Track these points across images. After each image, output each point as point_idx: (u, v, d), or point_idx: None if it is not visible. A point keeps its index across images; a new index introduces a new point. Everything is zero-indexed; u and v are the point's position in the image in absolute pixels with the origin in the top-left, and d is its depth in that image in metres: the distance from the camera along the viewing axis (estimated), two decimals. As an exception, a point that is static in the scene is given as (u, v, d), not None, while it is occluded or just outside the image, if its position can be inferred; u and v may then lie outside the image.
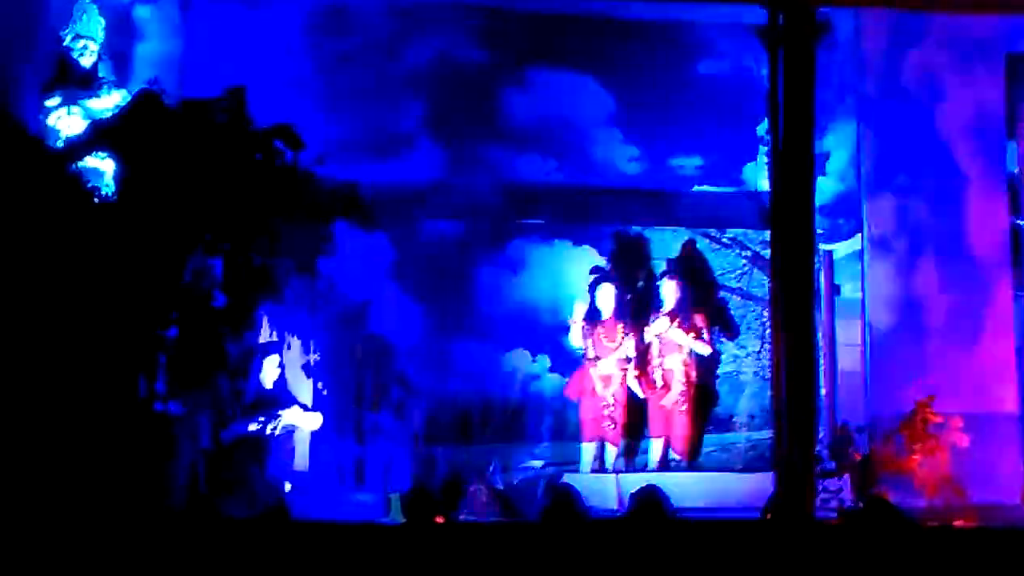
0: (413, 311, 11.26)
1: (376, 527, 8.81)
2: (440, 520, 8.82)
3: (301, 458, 9.96)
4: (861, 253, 11.47)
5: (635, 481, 9.88)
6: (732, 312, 11.64)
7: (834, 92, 11.60)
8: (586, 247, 11.57)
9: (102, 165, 9.10)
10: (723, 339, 11.55)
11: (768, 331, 10.47)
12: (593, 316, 11.12)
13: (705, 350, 11.24)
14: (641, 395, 11.12)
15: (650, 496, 9.17)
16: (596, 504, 9.91)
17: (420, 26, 11.43)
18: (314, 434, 10.26)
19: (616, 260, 11.56)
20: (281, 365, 9.89)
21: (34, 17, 10.19)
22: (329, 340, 10.39)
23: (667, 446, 11.11)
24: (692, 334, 11.15)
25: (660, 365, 11.11)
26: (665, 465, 11.07)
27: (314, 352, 10.06)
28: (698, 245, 11.69)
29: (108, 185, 8.77)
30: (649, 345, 11.17)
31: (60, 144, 9.27)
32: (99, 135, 8.91)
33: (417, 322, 11.27)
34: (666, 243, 11.65)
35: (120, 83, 10.09)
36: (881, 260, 11.47)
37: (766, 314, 11.03)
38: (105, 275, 8.23)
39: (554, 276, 11.45)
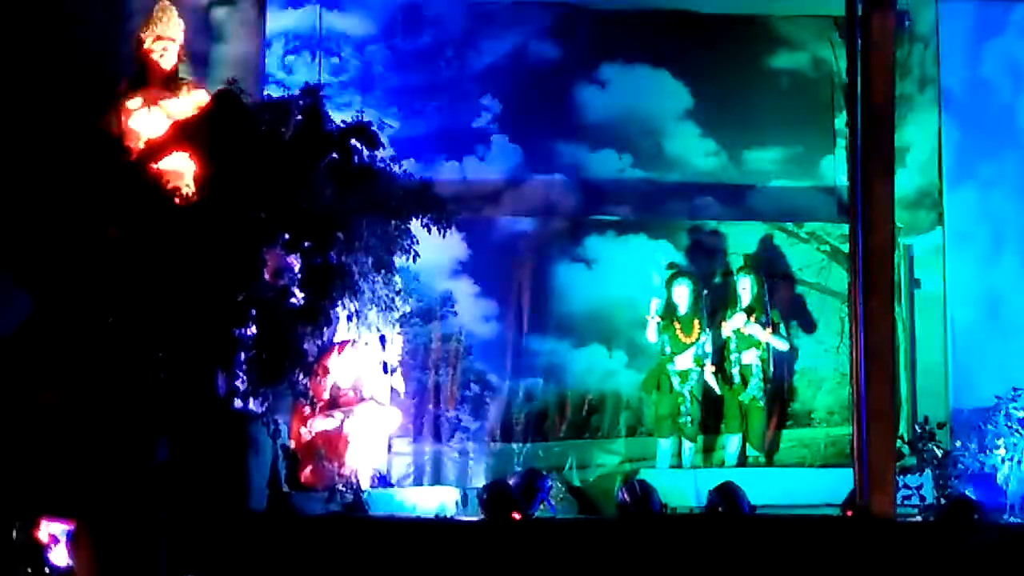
0: (489, 308, 11.30)
1: (454, 524, 8.86)
2: (517, 516, 8.85)
3: (378, 455, 10.02)
4: (942, 246, 11.35)
5: (712, 477, 9.87)
6: (810, 307, 11.55)
7: (914, 84, 11.49)
8: (662, 242, 11.53)
9: (182, 165, 9.21)
10: (801, 334, 11.47)
11: (846, 326, 10.37)
12: (669, 312, 11.08)
13: (783, 345, 11.17)
14: (718, 391, 11.08)
15: (727, 492, 9.16)
16: (673, 501, 9.89)
17: (494, 24, 11.46)
18: (391, 431, 10.32)
19: (692, 255, 11.52)
20: (358, 362, 9.94)
21: (115, 19, 10.34)
22: (405, 337, 10.44)
23: (744, 442, 11.06)
24: (769, 329, 11.09)
25: (737, 361, 11.06)
26: (742, 461, 11.02)
27: (391, 349, 10.11)
28: (775, 240, 11.62)
29: (188, 185, 8.88)
30: (726, 341, 11.12)
31: (141, 145, 9.39)
32: (179, 135, 9.03)
33: (493, 319, 11.30)
34: (743, 238, 11.59)
35: (199, 84, 10.20)
36: (963, 253, 11.35)
37: (844, 309, 10.93)
38: (185, 274, 8.34)
39: (630, 272, 11.42)
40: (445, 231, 9.89)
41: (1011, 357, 10.84)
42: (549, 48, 11.49)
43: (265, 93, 9.96)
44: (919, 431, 10.52)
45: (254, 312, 8.60)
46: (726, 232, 11.58)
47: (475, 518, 9.21)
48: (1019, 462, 10.09)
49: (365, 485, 9.54)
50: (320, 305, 8.90)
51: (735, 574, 7.74)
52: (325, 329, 9.13)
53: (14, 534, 7.42)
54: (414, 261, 9.89)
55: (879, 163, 8.83)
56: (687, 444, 11.01)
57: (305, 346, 8.86)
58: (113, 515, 7.27)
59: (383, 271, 9.64)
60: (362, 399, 9.91)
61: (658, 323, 11.03)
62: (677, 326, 11.05)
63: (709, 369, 11.04)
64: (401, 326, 10.31)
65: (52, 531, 7.56)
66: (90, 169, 8.48)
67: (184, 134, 9.02)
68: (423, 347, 11.05)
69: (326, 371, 9.67)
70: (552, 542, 7.83)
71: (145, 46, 10.17)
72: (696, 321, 11.08)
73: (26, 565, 7.37)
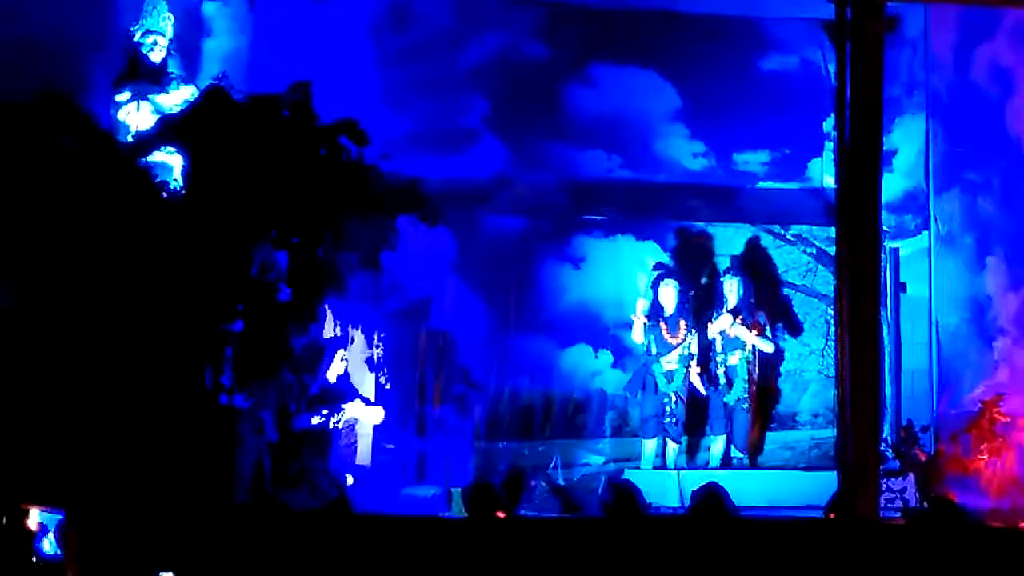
0: (476, 306, 11.29)
1: (438, 521, 8.85)
2: (501, 515, 8.84)
3: (363, 452, 10.02)
4: (928, 250, 11.37)
5: (696, 478, 9.87)
6: (796, 309, 11.57)
7: (902, 88, 11.52)
8: (649, 243, 11.53)
9: (171, 160, 9.20)
10: (787, 336, 11.49)
11: (832, 329, 10.39)
12: (656, 312, 11.09)
13: (768, 347, 11.18)
14: (703, 392, 11.08)
15: (711, 494, 9.14)
16: (657, 501, 9.90)
17: (483, 22, 11.45)
18: (376, 428, 10.32)
19: (679, 256, 11.52)
20: (344, 359, 9.94)
21: (104, 13, 10.32)
22: (392, 335, 10.44)
23: (729, 443, 11.07)
24: (755, 331, 11.09)
25: (723, 362, 11.07)
26: (727, 463, 11.03)
27: (377, 346, 10.11)
28: (762, 241, 11.63)
29: (176, 180, 8.87)
30: (712, 342, 11.13)
31: (130, 139, 9.37)
32: (168, 130, 9.02)
33: (479, 317, 11.30)
34: (730, 239, 11.60)
35: (189, 78, 10.19)
36: (948, 257, 11.38)
37: (830, 311, 10.95)
38: (172, 269, 8.33)
39: (617, 272, 11.43)
40: (433, 229, 9.88)
41: (996, 362, 10.86)
42: (538, 47, 11.48)
43: (254, 89, 9.94)
44: (903, 434, 10.55)
45: (241, 308, 8.59)
46: (713, 233, 11.59)
47: (459, 516, 9.20)
48: (1002, 466, 10.13)
49: (349, 481, 9.53)
50: (308, 301, 8.89)
51: (718, 575, 7.74)
52: (312, 325, 9.13)
53: (3, 521, 7.41)
54: (401, 259, 9.87)
55: (866, 166, 8.84)
56: (672, 445, 11.01)
57: (292, 342, 8.85)
58: (102, 505, 7.26)
59: (370, 268, 9.63)
60: (348, 396, 9.90)
61: (644, 324, 11.03)
62: (663, 327, 11.06)
63: (694, 370, 11.04)
64: (388, 323, 10.30)
65: (41, 520, 7.55)
66: (77, 163, 8.46)
67: (173, 129, 9.00)
68: (409, 344, 11.04)
69: (312, 367, 9.65)
70: (536, 541, 7.82)
71: (134, 40, 10.16)
72: (682, 322, 11.09)
73: (15, 553, 7.36)
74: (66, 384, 7.86)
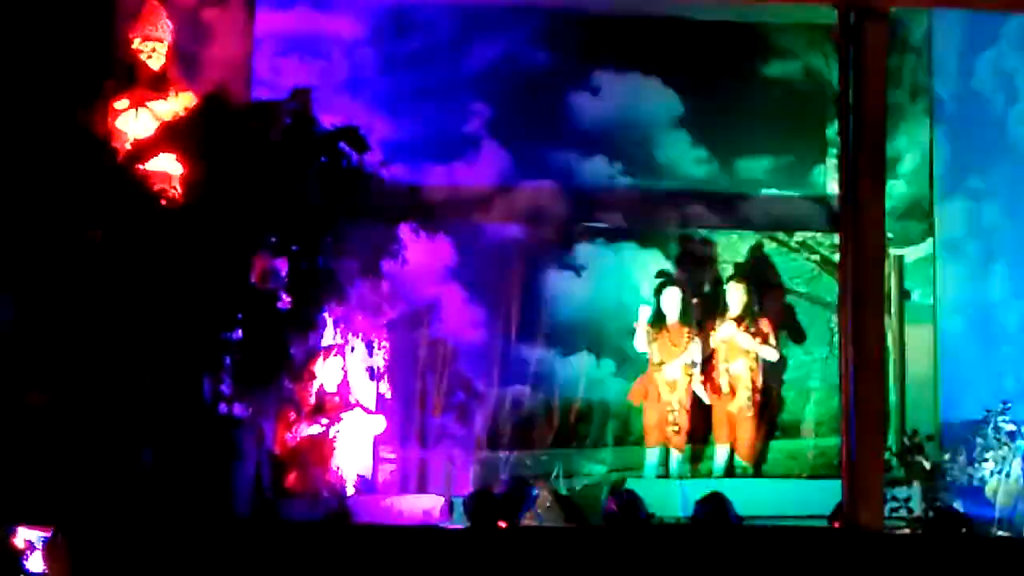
0: (476, 314, 11.25)
1: (439, 531, 8.82)
2: (503, 525, 8.81)
3: (364, 462, 9.97)
4: (932, 257, 11.33)
5: (700, 487, 9.83)
6: (799, 317, 11.52)
7: (906, 94, 11.48)
8: (652, 250, 11.49)
9: (170, 167, 9.16)
10: (790, 344, 11.43)
11: (836, 337, 10.34)
12: (658, 320, 11.04)
13: (772, 355, 11.13)
14: (707, 400, 11.04)
15: (715, 502, 9.12)
16: (660, 510, 9.85)
17: (484, 28, 11.41)
18: (377, 438, 10.28)
19: (682, 264, 11.48)
20: (344, 368, 9.90)
21: (103, 20, 10.29)
22: (393, 343, 10.39)
23: (733, 452, 11.02)
24: (759, 339, 11.05)
25: (726, 370, 11.02)
26: (730, 471, 10.98)
27: (377, 355, 10.07)
28: (766, 249, 11.59)
29: (175, 188, 8.83)
30: (715, 350, 11.08)
31: (128, 146, 9.34)
32: (167, 137, 8.99)
33: (480, 325, 11.25)
34: (733, 247, 11.56)
35: (188, 86, 10.15)
36: (952, 264, 11.34)
37: (834, 319, 10.90)
38: (171, 277, 8.30)
39: (619, 280, 11.39)
40: (433, 236, 9.85)
41: (1001, 370, 10.82)
42: (540, 54, 11.44)
43: (254, 95, 9.91)
44: (908, 443, 10.50)
45: (241, 316, 8.56)
46: (716, 241, 11.55)
47: (460, 526, 9.16)
48: (1007, 475, 10.08)
49: (350, 492, 9.49)
50: (307, 309, 8.86)
51: (722, 585, 7.71)
52: (312, 334, 9.09)
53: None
54: (402, 266, 9.84)
55: (870, 173, 8.82)
56: (675, 454, 10.96)
57: (292, 351, 8.81)
58: (90, 522, 7.22)
59: (371, 276, 9.59)
60: (348, 405, 9.87)
61: (647, 332, 10.99)
62: (666, 335, 11.02)
63: (698, 378, 11.00)
64: (388, 331, 10.26)
65: (28, 538, 7.51)
66: (76, 171, 8.44)
67: (172, 136, 8.98)
68: (410, 353, 10.99)
69: (312, 376, 9.61)
70: (538, 551, 7.79)
71: (133, 47, 10.13)
72: (685, 330, 11.04)
73: (2, 571, 7.32)
74: (62, 394, 7.82)
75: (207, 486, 8.06)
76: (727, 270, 11.45)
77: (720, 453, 11.04)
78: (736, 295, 11.13)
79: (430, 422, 11.06)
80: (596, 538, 8.38)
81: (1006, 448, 10.08)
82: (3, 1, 9.80)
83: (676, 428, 10.90)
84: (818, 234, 11.51)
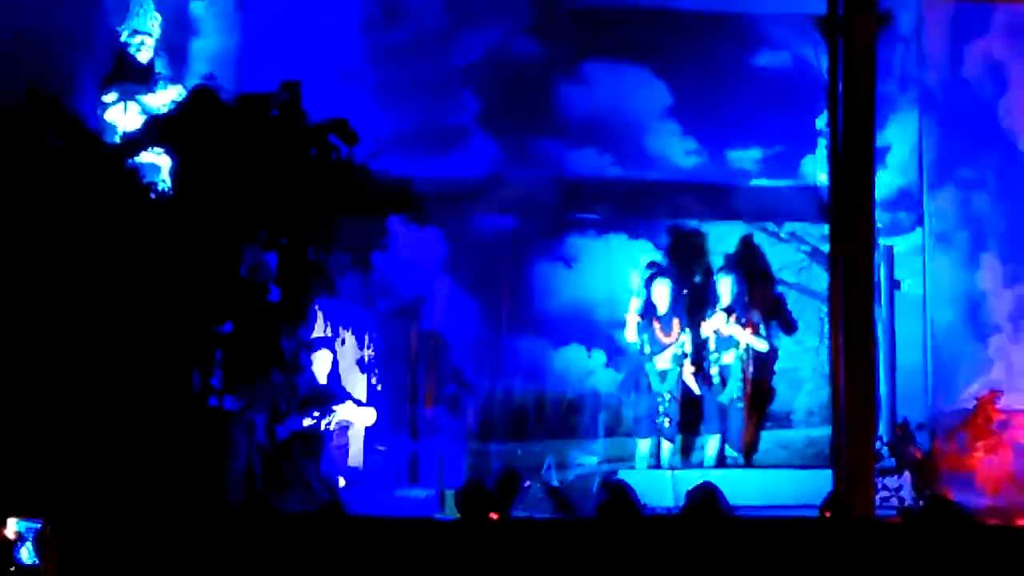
0: (467, 306, 11.24)
1: (430, 523, 8.81)
2: (495, 516, 8.80)
3: (355, 454, 9.98)
4: (922, 247, 11.34)
5: (691, 478, 9.82)
6: (790, 307, 11.52)
7: (895, 84, 11.47)
8: (642, 241, 11.49)
9: (159, 160, 9.14)
10: (781, 335, 11.44)
11: (827, 327, 10.34)
12: (649, 311, 11.05)
13: (763, 346, 11.14)
14: (697, 391, 11.05)
15: (706, 493, 9.10)
16: (651, 501, 9.85)
17: (474, 19, 11.39)
18: (368, 430, 10.28)
19: (672, 255, 11.48)
20: (335, 360, 9.90)
21: (91, 13, 10.26)
22: (383, 335, 10.40)
23: (724, 443, 11.03)
24: (749, 329, 11.06)
25: (717, 361, 11.03)
26: (722, 462, 10.99)
27: (368, 347, 10.07)
28: (756, 239, 11.59)
29: (164, 180, 8.81)
30: (706, 341, 11.09)
31: (117, 139, 9.31)
32: (155, 130, 8.97)
33: (471, 317, 11.25)
34: (723, 237, 11.56)
35: (176, 78, 10.14)
36: (943, 254, 11.35)
37: (824, 309, 10.90)
38: (161, 270, 8.28)
39: (609, 271, 11.38)
40: (423, 228, 9.84)
41: (991, 359, 10.84)
42: (530, 45, 11.43)
43: (242, 88, 9.88)
44: (898, 433, 10.51)
45: (231, 309, 8.54)
46: (706, 231, 11.55)
47: (452, 518, 9.15)
48: (997, 464, 10.11)
49: (341, 483, 9.49)
50: (298, 302, 8.84)
51: (713, 575, 7.70)
52: (302, 326, 9.07)
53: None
54: (392, 259, 9.82)
55: (860, 163, 8.82)
56: (666, 444, 10.97)
57: (282, 343, 8.80)
58: (81, 514, 7.20)
59: (361, 268, 9.58)
60: (339, 397, 9.86)
61: (638, 323, 10.99)
62: (657, 326, 11.02)
63: (688, 369, 11.00)
64: (379, 324, 10.26)
65: (19, 529, 7.50)
66: (65, 164, 8.41)
67: (160, 129, 8.95)
68: (401, 345, 10.99)
69: (303, 369, 9.60)
70: (530, 542, 7.78)
71: (122, 40, 10.11)
72: (676, 321, 11.04)
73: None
74: (50, 387, 7.80)
75: (198, 478, 8.04)
76: (717, 261, 11.45)
77: (711, 444, 11.05)
78: (726, 285, 11.13)
79: (421, 414, 11.06)
80: (588, 529, 8.37)
81: (996, 437, 10.10)
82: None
83: (667, 419, 10.90)
84: (808, 224, 11.50)
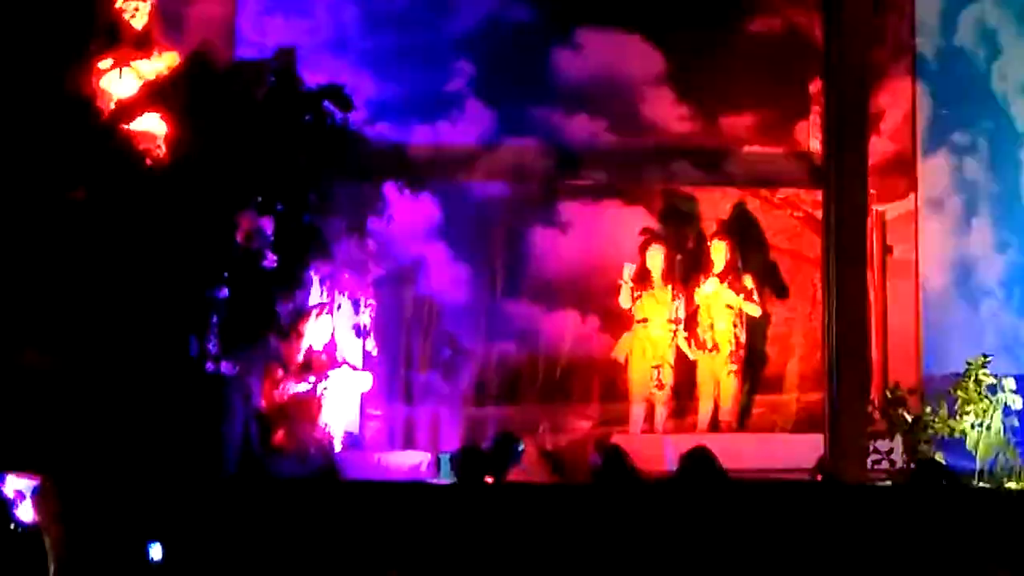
0: (462, 272, 11.27)
1: (426, 487, 8.86)
2: (490, 480, 8.86)
3: (351, 418, 10.01)
4: (915, 213, 11.37)
5: (684, 442, 9.88)
6: (783, 273, 11.56)
7: (888, 51, 11.47)
8: (636, 207, 11.51)
9: (154, 126, 9.13)
10: (774, 300, 11.48)
11: (819, 292, 10.40)
12: (643, 277, 11.08)
13: (755, 311, 11.18)
14: (691, 356, 11.10)
15: (699, 457, 9.16)
16: (645, 465, 9.91)
17: (468, -14, 11.37)
18: (363, 395, 10.32)
19: (666, 221, 11.50)
20: (331, 326, 9.93)
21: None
22: (379, 301, 10.41)
23: (717, 407, 11.09)
24: (742, 295, 11.10)
25: (710, 326, 11.07)
26: (715, 426, 11.06)
27: (364, 313, 10.10)
28: (749, 205, 11.61)
29: (160, 147, 8.81)
30: (699, 306, 11.13)
31: (112, 106, 9.30)
32: (151, 97, 8.96)
33: (466, 283, 11.27)
34: (717, 203, 11.58)
35: (172, 45, 10.10)
36: (935, 220, 11.37)
37: (817, 275, 10.94)
38: (157, 236, 8.30)
39: (603, 237, 11.40)
40: (418, 195, 9.85)
41: (982, 324, 10.89)
42: (523, 11, 11.40)
43: (238, 55, 9.88)
44: (890, 396, 10.57)
45: (227, 275, 8.56)
46: (700, 197, 11.57)
47: (447, 481, 9.21)
48: (988, 428, 10.17)
49: (337, 448, 9.53)
50: (293, 268, 8.87)
51: (706, 537, 7.77)
52: (298, 292, 9.10)
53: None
54: (387, 224, 9.85)
55: (853, 129, 8.86)
56: (659, 409, 11.03)
57: (278, 309, 8.83)
58: (79, 473, 7.25)
59: (356, 234, 9.60)
60: (335, 362, 9.89)
61: (631, 288, 11.02)
62: (651, 291, 11.05)
63: (682, 334, 11.05)
64: (374, 289, 10.28)
65: (17, 487, 7.54)
66: (60, 130, 8.41)
67: (156, 95, 8.95)
68: (396, 310, 11.02)
69: (299, 334, 9.63)
70: (525, 506, 7.84)
71: (116, 6, 10.06)
72: (669, 286, 11.08)
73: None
74: (50, 352, 7.84)
75: (195, 443, 8.09)
76: (711, 227, 11.47)
77: (704, 408, 11.11)
78: (720, 252, 11.16)
79: (416, 379, 11.10)
80: (582, 493, 8.43)
81: (987, 401, 10.16)
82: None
83: (660, 384, 10.96)
84: (801, 190, 11.52)
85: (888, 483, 9.70)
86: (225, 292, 8.58)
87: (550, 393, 11.33)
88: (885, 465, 10.02)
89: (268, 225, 8.87)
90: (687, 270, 11.28)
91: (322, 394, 9.67)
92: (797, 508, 7.67)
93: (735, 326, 11.07)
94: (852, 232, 8.82)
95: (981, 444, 10.12)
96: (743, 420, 11.21)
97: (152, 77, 9.46)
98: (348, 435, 9.86)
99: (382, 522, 7.64)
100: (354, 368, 10.03)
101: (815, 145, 10.98)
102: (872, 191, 10.33)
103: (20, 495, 7.53)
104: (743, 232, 11.47)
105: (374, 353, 10.23)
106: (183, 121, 8.72)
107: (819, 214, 9.99)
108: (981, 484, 9.74)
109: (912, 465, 9.83)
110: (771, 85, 11.56)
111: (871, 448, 9.78)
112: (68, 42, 9.26)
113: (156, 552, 6.96)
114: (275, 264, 8.78)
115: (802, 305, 11.52)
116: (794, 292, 11.54)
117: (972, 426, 10.15)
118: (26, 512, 7.50)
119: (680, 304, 11.08)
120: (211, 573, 7.01)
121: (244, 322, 8.57)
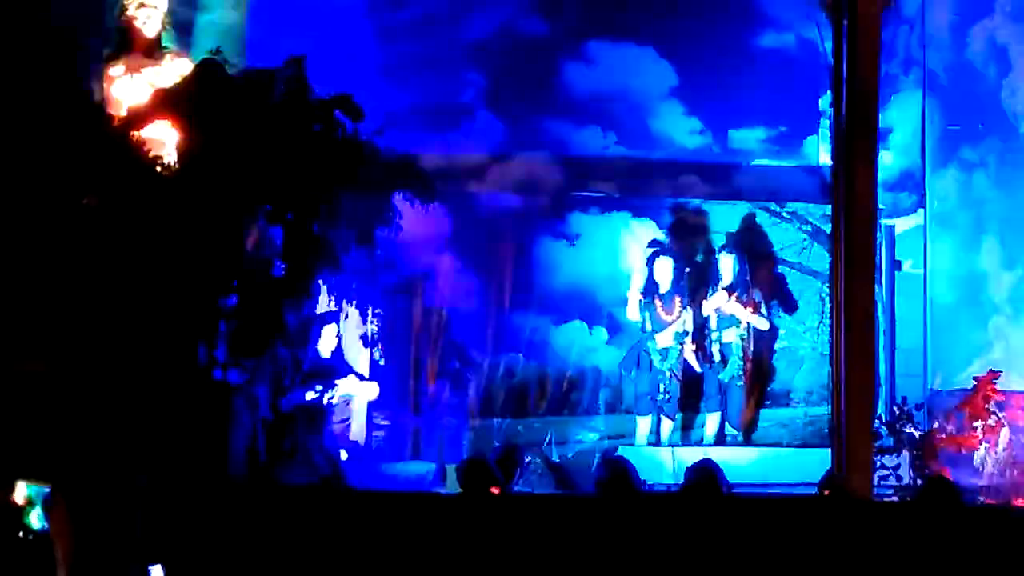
0: (470, 283, 11.29)
1: (432, 497, 8.86)
2: (495, 491, 8.86)
3: (357, 428, 10.02)
4: (923, 228, 11.38)
5: (691, 455, 9.88)
6: (791, 287, 11.57)
7: (898, 65, 11.50)
8: (645, 220, 11.53)
9: (165, 134, 9.15)
10: (781, 314, 11.49)
11: (827, 306, 10.39)
12: (651, 289, 11.09)
13: (763, 325, 11.19)
14: (698, 369, 11.10)
15: (705, 470, 9.16)
16: (651, 478, 9.91)
17: (480, -2, 11.41)
18: (370, 404, 10.33)
19: (675, 233, 11.52)
20: (339, 335, 9.94)
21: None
22: (387, 311, 10.43)
23: (723, 420, 11.09)
24: (750, 308, 11.10)
25: (718, 339, 11.08)
26: (721, 440, 11.06)
27: (372, 322, 10.11)
28: (758, 219, 11.62)
29: (170, 154, 8.82)
30: (707, 319, 11.14)
31: (123, 113, 9.32)
32: (161, 104, 8.96)
33: (474, 294, 11.29)
34: (725, 217, 11.60)
35: (183, 53, 10.13)
36: (944, 235, 11.39)
37: (825, 289, 10.95)
38: (166, 244, 8.30)
39: (612, 249, 11.43)
40: (428, 205, 9.86)
41: (990, 340, 10.89)
42: (535, 24, 11.44)
43: (248, 63, 9.88)
44: (897, 412, 10.57)
45: (236, 283, 8.57)
46: (709, 210, 11.59)
47: (453, 492, 9.21)
48: (995, 444, 10.15)
49: (344, 457, 9.53)
50: (302, 277, 8.87)
51: (711, 552, 7.77)
52: (306, 301, 9.11)
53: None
54: (397, 234, 9.86)
55: (862, 144, 8.84)
56: (666, 422, 11.03)
57: (286, 317, 8.83)
58: (89, 479, 7.26)
59: (366, 244, 9.62)
60: (342, 371, 9.90)
61: (639, 301, 11.03)
62: (658, 304, 11.06)
63: (689, 347, 11.06)
64: (383, 299, 10.29)
65: (27, 494, 7.55)
66: (70, 137, 8.42)
67: (166, 103, 8.95)
68: (404, 321, 11.03)
69: (307, 342, 9.64)
70: (530, 517, 7.84)
71: (128, 13, 10.10)
72: (677, 299, 11.09)
73: (4, 527, 7.36)
74: (58, 359, 7.84)
75: (202, 451, 8.09)
76: (719, 240, 11.49)
77: (711, 421, 11.11)
78: (728, 264, 11.18)
79: (424, 389, 11.11)
80: (587, 505, 8.43)
81: (995, 417, 10.15)
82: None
83: (667, 396, 10.96)
84: (810, 204, 11.55)
85: (895, 499, 9.69)
86: (234, 300, 8.58)
87: (557, 405, 11.34)
88: (892, 481, 10.00)
89: (278, 234, 8.87)
90: (695, 283, 11.29)
91: (329, 403, 9.67)
92: (803, 524, 7.66)
93: (742, 339, 11.08)
94: (861, 246, 8.80)
95: (989, 460, 10.11)
96: (749, 434, 11.20)
97: (163, 84, 9.47)
98: (355, 444, 9.87)
99: (387, 532, 7.64)
100: (361, 377, 10.04)
101: (824, 159, 10.99)
102: (881, 206, 10.33)
103: (31, 502, 7.54)
104: (751, 245, 11.49)
105: (382, 363, 10.25)
106: (193, 128, 8.72)
107: (828, 228, 9.99)
108: (988, 501, 9.72)
109: (919, 481, 9.82)
110: (781, 99, 11.60)
111: (878, 464, 9.76)
112: (79, 49, 9.28)
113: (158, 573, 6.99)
114: (284, 273, 8.79)
115: (810, 319, 11.53)
116: (802, 306, 11.55)
117: (980, 442, 10.13)
118: (36, 520, 7.52)
119: (688, 317, 11.08)
120: (217, 582, 7.02)
121: (252, 330, 8.57)
